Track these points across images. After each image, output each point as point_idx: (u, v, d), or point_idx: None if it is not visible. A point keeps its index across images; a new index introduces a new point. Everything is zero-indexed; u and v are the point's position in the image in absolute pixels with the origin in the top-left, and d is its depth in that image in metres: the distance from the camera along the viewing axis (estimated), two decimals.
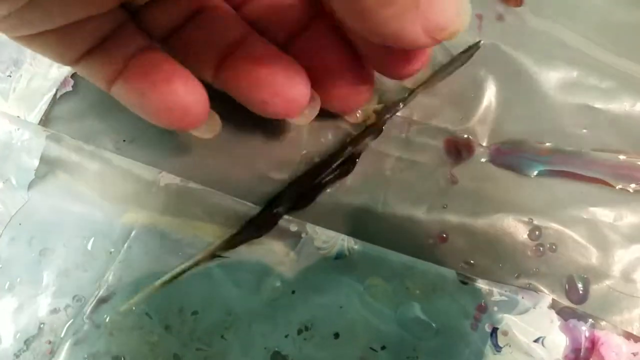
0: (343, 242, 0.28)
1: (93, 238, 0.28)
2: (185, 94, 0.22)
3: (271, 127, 0.30)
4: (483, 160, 0.30)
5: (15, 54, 0.30)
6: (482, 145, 0.30)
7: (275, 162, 0.30)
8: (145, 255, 0.28)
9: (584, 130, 0.30)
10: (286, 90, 0.23)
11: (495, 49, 0.31)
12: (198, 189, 0.29)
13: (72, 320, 0.27)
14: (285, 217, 0.29)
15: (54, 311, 0.27)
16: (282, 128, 0.30)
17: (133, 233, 0.28)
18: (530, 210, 0.30)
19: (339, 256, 0.28)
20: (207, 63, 0.24)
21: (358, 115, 0.29)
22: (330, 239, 0.28)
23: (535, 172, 0.30)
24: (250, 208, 0.28)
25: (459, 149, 0.31)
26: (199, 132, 0.25)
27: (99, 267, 0.28)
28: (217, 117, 0.25)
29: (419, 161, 0.30)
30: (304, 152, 0.30)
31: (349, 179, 0.30)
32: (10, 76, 0.29)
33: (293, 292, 0.28)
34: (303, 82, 0.23)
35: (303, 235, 0.28)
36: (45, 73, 0.30)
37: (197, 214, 0.29)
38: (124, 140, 0.30)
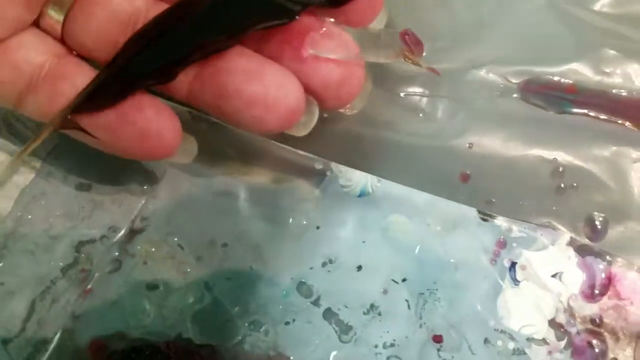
0: (366, 180, 0.29)
1: (126, 173, 0.29)
2: (158, 119, 0.21)
3: None
4: (514, 96, 0.30)
5: None
6: (511, 81, 0.30)
7: None
8: (175, 189, 0.29)
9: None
10: (280, 102, 0.20)
11: None
12: (223, 127, 0.29)
13: (107, 249, 0.28)
14: (310, 155, 0.29)
15: (90, 241, 0.28)
16: None
17: (164, 169, 0.29)
18: (554, 148, 0.30)
19: (362, 194, 0.29)
20: (181, 78, 0.22)
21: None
22: (354, 177, 0.29)
23: (561, 110, 0.30)
24: (277, 147, 0.29)
25: None
26: (177, 157, 0.25)
27: (133, 201, 0.29)
28: (193, 140, 0.26)
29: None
30: None
31: (370, 113, 0.30)
32: None
33: (318, 227, 0.29)
34: (297, 90, 0.21)
35: (328, 173, 0.29)
36: None
37: (227, 152, 0.30)
38: None
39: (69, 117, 0.22)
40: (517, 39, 0.32)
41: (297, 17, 0.22)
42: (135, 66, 0.22)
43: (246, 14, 0.22)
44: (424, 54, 0.29)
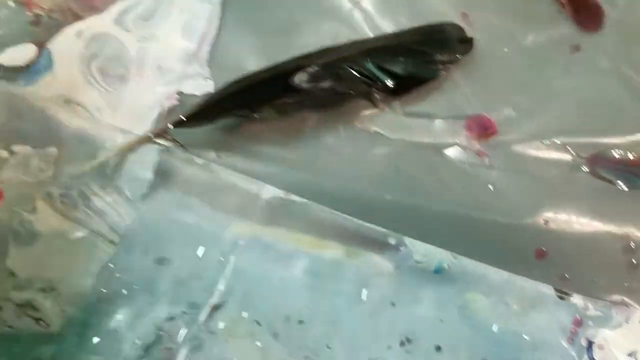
0: (442, 256, 0.29)
1: (204, 247, 0.30)
2: None
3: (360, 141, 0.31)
4: (584, 169, 0.30)
5: (122, 70, 0.31)
6: (580, 156, 0.31)
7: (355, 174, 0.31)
8: (252, 264, 0.29)
9: None
10: None
11: None
12: (299, 202, 0.30)
13: (188, 327, 0.28)
14: (384, 230, 0.29)
15: (171, 319, 0.28)
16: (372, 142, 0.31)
17: (240, 242, 0.30)
18: (625, 224, 0.30)
19: (438, 270, 0.29)
20: None
21: None
22: (429, 253, 0.29)
23: (630, 185, 0.30)
24: (351, 222, 0.29)
25: None
26: None
27: (211, 275, 0.29)
28: None
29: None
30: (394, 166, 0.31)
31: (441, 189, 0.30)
32: (118, 90, 0.31)
33: (393, 304, 0.29)
34: None
35: (402, 248, 0.29)
36: (152, 88, 0.31)
37: (299, 226, 0.30)
38: (225, 150, 0.31)
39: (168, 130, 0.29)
40: (583, 109, 0.32)
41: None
42: (229, 100, 0.30)
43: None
44: (496, 133, 0.29)
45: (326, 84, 0.30)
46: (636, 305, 0.29)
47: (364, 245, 0.30)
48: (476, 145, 0.31)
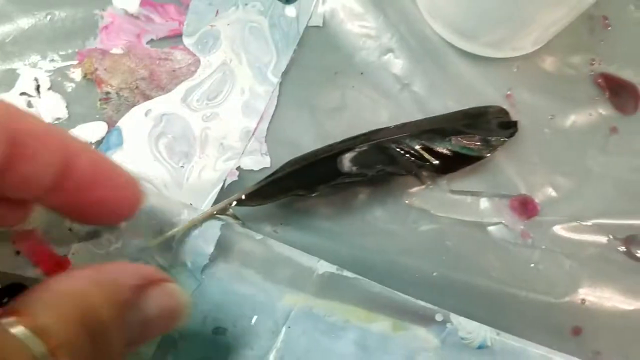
0: (485, 332, 0.31)
1: (257, 317, 0.31)
2: None
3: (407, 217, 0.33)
4: (620, 249, 0.32)
5: (186, 148, 0.33)
6: (617, 237, 0.32)
7: (403, 249, 0.33)
8: (302, 334, 0.31)
9: None
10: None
11: None
12: (350, 277, 0.31)
13: None
14: (432, 306, 0.31)
15: None
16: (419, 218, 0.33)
17: (292, 314, 0.31)
18: None
19: (482, 346, 0.31)
20: None
21: None
22: (474, 330, 0.31)
23: None
24: (399, 297, 0.31)
25: None
26: None
27: (264, 345, 0.31)
28: None
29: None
30: (447, 243, 0.33)
31: (484, 266, 0.32)
32: (183, 167, 0.33)
33: None
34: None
35: (448, 325, 0.31)
36: (214, 164, 0.33)
37: (349, 299, 0.32)
38: (280, 224, 0.33)
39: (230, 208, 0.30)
40: (619, 190, 0.34)
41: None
42: (287, 180, 0.32)
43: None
44: (538, 213, 0.31)
45: (377, 164, 0.32)
46: None
47: (411, 320, 0.31)
48: (520, 225, 0.33)
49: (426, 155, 0.33)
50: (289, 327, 0.31)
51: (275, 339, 0.31)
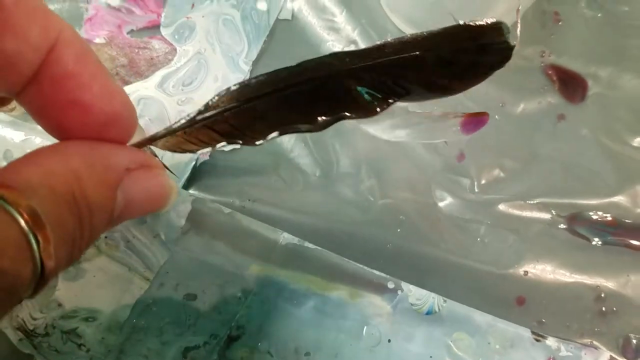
0: (434, 299, 0.34)
1: (226, 285, 0.34)
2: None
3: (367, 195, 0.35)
4: (561, 227, 0.35)
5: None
6: (560, 215, 0.35)
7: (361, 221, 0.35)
8: (266, 301, 0.34)
9: None
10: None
11: None
12: (311, 248, 0.34)
13: (209, 355, 0.33)
14: (384, 275, 0.34)
15: (195, 347, 0.33)
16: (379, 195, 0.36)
17: (257, 282, 0.34)
18: (597, 276, 0.35)
19: (430, 312, 0.34)
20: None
21: None
22: (423, 297, 0.34)
23: (604, 241, 0.35)
24: (356, 267, 0.34)
25: None
26: None
27: (230, 310, 0.34)
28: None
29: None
30: (401, 217, 0.35)
31: (437, 239, 0.35)
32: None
33: (389, 340, 0.33)
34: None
35: (399, 292, 0.34)
36: None
37: (310, 269, 0.34)
38: (248, 200, 0.36)
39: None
40: (564, 173, 0.37)
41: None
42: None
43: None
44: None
45: None
46: (604, 348, 0.33)
47: (366, 288, 0.34)
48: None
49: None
50: (255, 294, 0.34)
51: (241, 304, 0.34)
